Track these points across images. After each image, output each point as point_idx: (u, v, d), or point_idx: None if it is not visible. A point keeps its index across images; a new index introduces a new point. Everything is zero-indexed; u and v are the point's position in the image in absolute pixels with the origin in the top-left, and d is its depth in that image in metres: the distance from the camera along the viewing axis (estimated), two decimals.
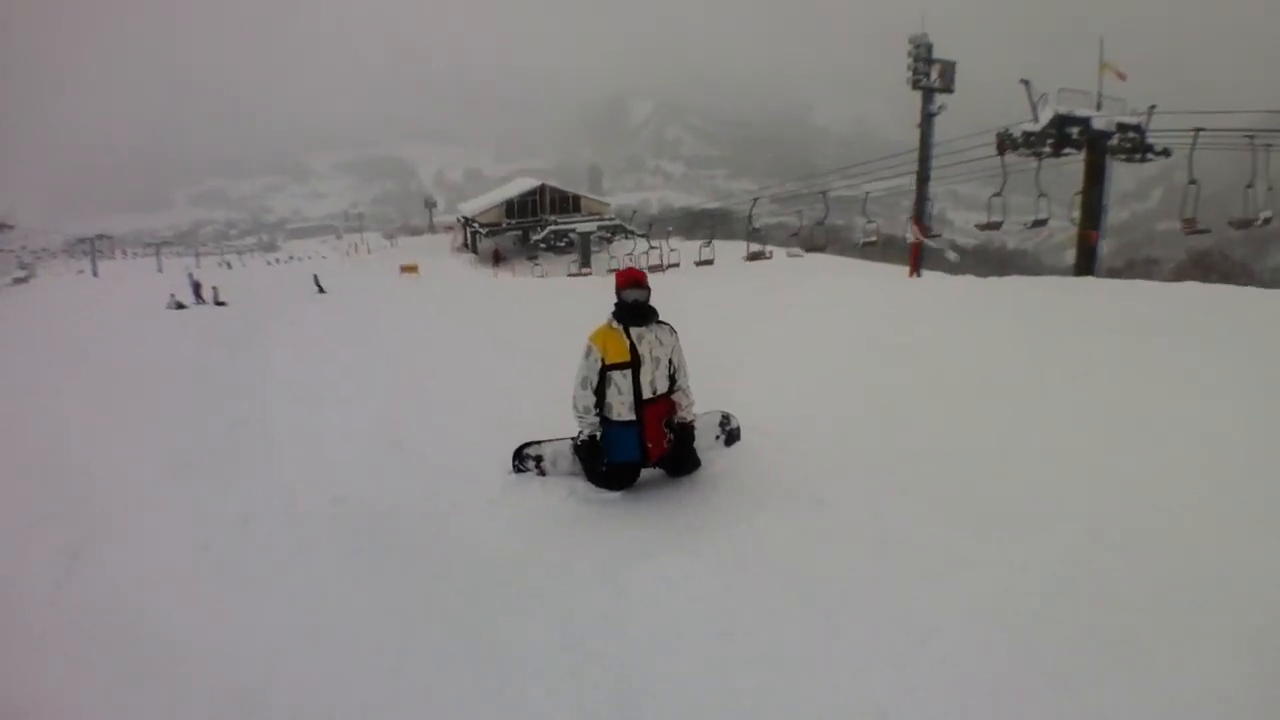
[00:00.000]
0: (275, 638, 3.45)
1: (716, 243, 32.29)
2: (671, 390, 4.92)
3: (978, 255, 66.19)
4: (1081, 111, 20.57)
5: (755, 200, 27.40)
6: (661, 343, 4.81)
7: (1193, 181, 18.02)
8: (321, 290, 29.11)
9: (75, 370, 10.11)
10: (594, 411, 4.79)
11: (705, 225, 37.48)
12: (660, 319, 4.88)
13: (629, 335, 4.73)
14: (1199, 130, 17.40)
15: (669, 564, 3.82)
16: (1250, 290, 11.24)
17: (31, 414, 7.69)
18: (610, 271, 38.37)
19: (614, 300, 4.85)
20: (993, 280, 15.14)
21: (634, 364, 4.72)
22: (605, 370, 4.73)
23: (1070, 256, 22.41)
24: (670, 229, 37.17)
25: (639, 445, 4.77)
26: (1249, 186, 18.43)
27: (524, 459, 5.23)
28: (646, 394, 4.75)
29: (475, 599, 3.67)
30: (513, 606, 3.57)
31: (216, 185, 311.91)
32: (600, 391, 4.78)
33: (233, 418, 7.16)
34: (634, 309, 4.76)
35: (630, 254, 39.16)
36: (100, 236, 55.75)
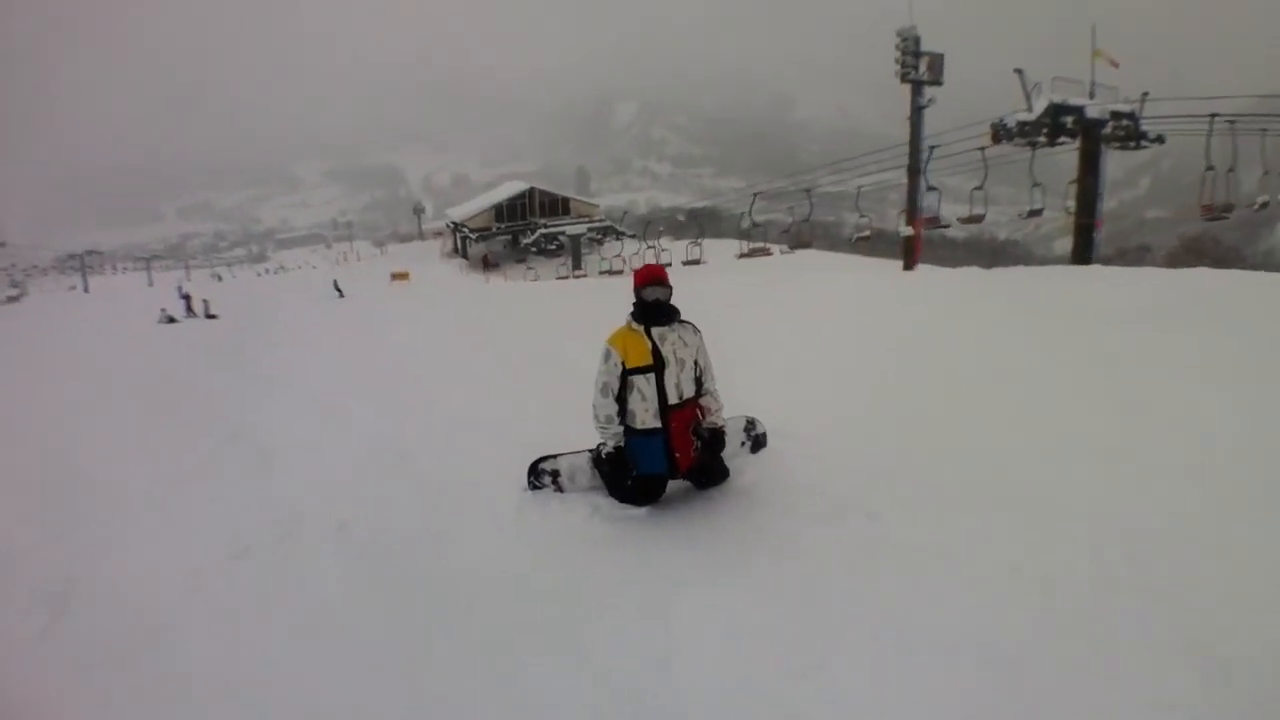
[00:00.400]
0: (275, 676, 3.07)
1: (706, 241, 32.14)
2: (698, 394, 4.56)
3: (969, 247, 66.76)
4: (1075, 100, 20.51)
5: (755, 197, 27.18)
6: (685, 343, 4.45)
7: (1210, 168, 18.33)
8: (341, 295, 30.67)
9: (69, 388, 9.74)
10: (616, 420, 4.43)
11: (693, 224, 37.42)
12: (682, 318, 4.54)
13: (650, 336, 4.39)
14: (1214, 115, 17.66)
15: (719, 592, 3.43)
16: (1261, 275, 11.10)
17: (23, 431, 7.34)
18: (602, 274, 38.37)
19: (632, 300, 4.49)
20: (995, 271, 14.96)
21: (658, 367, 4.36)
22: (626, 375, 4.37)
23: (1060, 246, 22.55)
24: (661, 229, 37.06)
25: (666, 455, 4.39)
26: (1230, 170, 18.86)
27: (540, 474, 4.85)
28: (673, 399, 4.37)
29: (501, 641, 3.24)
30: (544, 647, 3.14)
31: (205, 197, 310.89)
32: (621, 399, 4.44)
33: (228, 433, 6.79)
34: (655, 308, 4.41)
35: (620, 255, 39.09)
36: (90, 252, 55.65)
